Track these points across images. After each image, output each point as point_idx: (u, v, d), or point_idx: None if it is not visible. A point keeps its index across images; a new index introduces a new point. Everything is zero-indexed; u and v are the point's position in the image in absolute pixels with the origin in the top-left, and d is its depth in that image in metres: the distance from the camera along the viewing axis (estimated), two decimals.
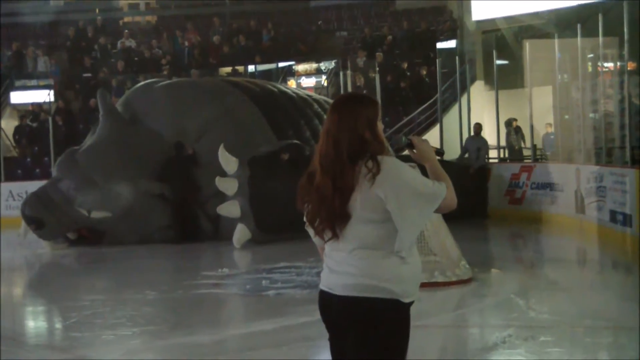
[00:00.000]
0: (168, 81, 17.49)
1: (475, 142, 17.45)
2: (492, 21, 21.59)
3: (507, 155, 19.56)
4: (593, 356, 6.86)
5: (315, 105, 16.88)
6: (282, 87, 17.86)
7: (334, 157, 3.36)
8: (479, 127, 17.76)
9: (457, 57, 20.24)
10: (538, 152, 18.40)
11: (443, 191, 3.40)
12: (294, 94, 17.11)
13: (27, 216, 14.52)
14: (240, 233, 13.78)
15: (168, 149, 14.83)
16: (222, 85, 16.60)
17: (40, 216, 14.39)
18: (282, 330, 7.76)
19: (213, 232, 14.67)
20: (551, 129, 19.24)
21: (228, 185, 13.81)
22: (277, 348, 7.10)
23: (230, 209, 13.82)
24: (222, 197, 13.98)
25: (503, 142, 19.22)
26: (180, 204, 14.60)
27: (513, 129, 19.69)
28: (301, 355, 7.06)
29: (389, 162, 3.34)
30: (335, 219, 3.36)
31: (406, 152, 3.69)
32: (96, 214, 14.40)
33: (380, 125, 3.48)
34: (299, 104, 16.65)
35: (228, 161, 13.78)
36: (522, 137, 19.51)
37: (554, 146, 18.41)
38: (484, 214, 16.68)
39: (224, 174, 13.83)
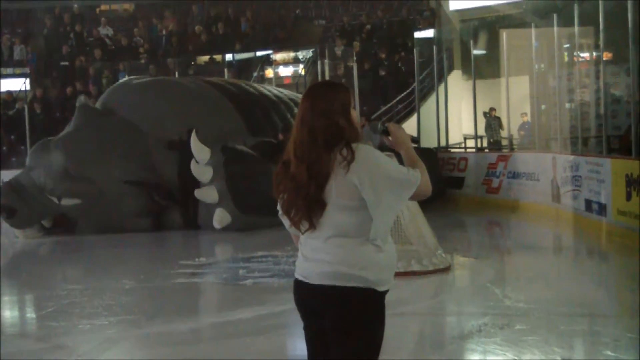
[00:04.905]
0: (146, 79, 17.47)
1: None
2: (469, 10, 21.65)
3: (484, 144, 19.62)
4: (568, 343, 6.91)
5: (291, 103, 17.06)
6: (258, 86, 17.91)
7: (310, 144, 3.33)
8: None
9: (434, 46, 20.28)
10: (515, 143, 18.48)
11: (418, 178, 3.41)
12: (268, 92, 17.32)
13: None
14: (220, 216, 13.85)
15: (144, 140, 14.78)
16: (201, 85, 16.56)
17: (11, 205, 14.41)
18: (259, 318, 7.77)
19: (193, 220, 14.71)
20: (527, 118, 19.33)
21: (203, 172, 13.89)
22: (254, 336, 7.11)
23: (208, 193, 13.89)
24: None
25: (480, 132, 19.28)
26: (179, 186, 14.63)
27: (492, 119, 19.76)
28: (279, 343, 7.08)
29: (364, 150, 3.33)
30: (312, 208, 3.34)
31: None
32: (66, 202, 14.39)
33: (353, 113, 3.47)
34: (273, 101, 16.83)
35: (200, 150, 13.87)
36: (501, 127, 19.60)
37: (529, 135, 18.50)
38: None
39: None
